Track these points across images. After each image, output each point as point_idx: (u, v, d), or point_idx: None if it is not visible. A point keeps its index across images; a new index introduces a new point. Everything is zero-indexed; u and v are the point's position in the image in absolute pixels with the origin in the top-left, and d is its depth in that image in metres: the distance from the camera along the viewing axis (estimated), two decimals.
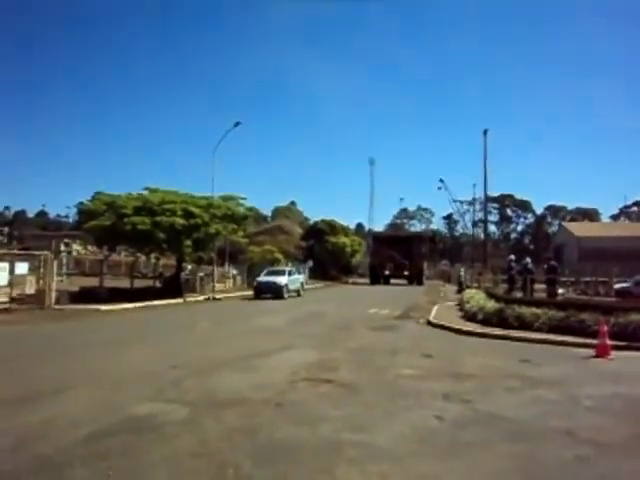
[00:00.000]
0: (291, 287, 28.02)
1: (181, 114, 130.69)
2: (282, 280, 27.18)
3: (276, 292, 26.26)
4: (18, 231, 64.29)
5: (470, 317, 15.96)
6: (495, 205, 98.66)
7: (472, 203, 68.43)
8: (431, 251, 64.52)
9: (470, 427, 5.59)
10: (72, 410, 5.85)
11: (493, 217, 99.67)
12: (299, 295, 29.19)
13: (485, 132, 39.49)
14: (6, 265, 16.90)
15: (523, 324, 13.53)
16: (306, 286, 42.01)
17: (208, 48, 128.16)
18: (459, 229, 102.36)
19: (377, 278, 51.30)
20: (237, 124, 29.43)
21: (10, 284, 16.96)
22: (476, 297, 18.43)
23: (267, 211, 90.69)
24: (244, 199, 27.28)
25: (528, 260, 19.94)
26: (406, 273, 51.70)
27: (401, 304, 23.06)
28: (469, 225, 79.94)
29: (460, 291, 30.59)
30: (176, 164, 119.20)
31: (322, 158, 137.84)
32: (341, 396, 6.81)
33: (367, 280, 53.16)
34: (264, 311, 19.62)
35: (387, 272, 51.90)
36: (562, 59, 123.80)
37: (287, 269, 30.49)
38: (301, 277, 31.87)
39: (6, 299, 17.15)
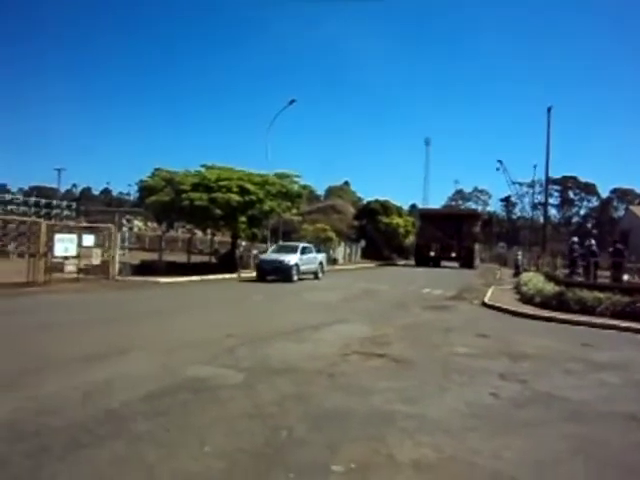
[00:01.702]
0: (304, 268, 23.20)
1: (237, 93, 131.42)
2: (291, 259, 22.28)
3: (283, 273, 21.95)
4: (84, 207, 67.57)
5: (527, 300, 15.47)
6: (557, 187, 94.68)
7: (532, 185, 66.03)
8: (487, 234, 62.48)
9: (528, 406, 5.44)
10: (133, 370, 6.12)
11: (554, 200, 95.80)
12: (316, 278, 24.29)
13: (549, 110, 37.37)
14: (75, 237, 17.80)
15: (584, 309, 12.98)
16: (357, 265, 42.10)
17: (262, 27, 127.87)
18: (517, 212, 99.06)
19: (423, 259, 48.12)
20: (292, 102, 29.49)
21: (78, 255, 17.88)
22: (534, 280, 17.83)
23: (320, 191, 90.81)
24: (298, 177, 27.30)
25: (592, 242, 19.00)
26: (453, 255, 48.28)
27: (454, 285, 22.70)
28: (528, 208, 77.31)
29: (517, 274, 29.71)
30: (232, 143, 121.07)
31: (377, 138, 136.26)
32: (393, 370, 6.79)
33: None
34: (316, 288, 19.79)
35: (432, 253, 48.57)
36: (631, 37, 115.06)
37: (301, 245, 24.78)
38: (320, 256, 25.99)
39: (75, 269, 18.13)
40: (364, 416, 4.86)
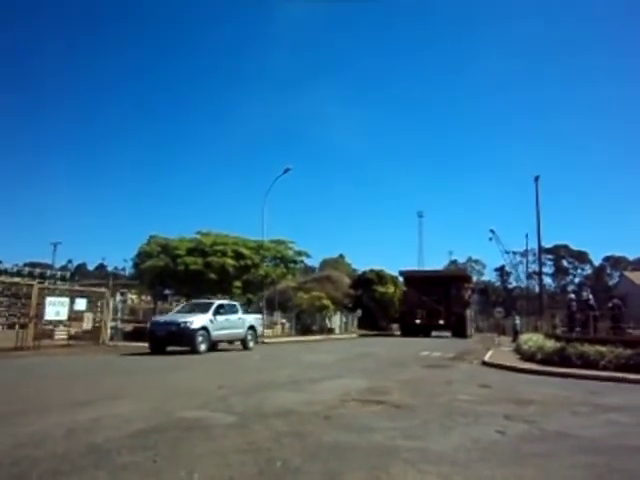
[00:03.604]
0: (220, 334, 17.28)
1: (232, 164, 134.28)
2: (195, 320, 16.12)
3: (182, 341, 15.90)
4: (79, 281, 67.14)
5: (528, 357, 15.09)
6: (550, 256, 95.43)
7: (525, 254, 66.61)
8: (483, 303, 61.80)
9: (536, 441, 5.16)
10: (122, 412, 5.83)
11: (548, 269, 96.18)
12: (246, 348, 18.74)
13: (536, 179, 38.01)
14: (66, 300, 17.54)
15: (587, 363, 12.64)
16: (352, 335, 41.17)
17: (257, 94, 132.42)
18: (512, 281, 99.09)
19: (409, 328, 43.04)
20: (287, 170, 30.13)
21: (69, 319, 17.56)
22: (534, 338, 17.53)
23: (315, 263, 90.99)
24: (293, 243, 27.54)
25: (590, 296, 18.86)
26: (442, 322, 43.13)
27: (453, 349, 22.36)
28: (523, 277, 77.41)
29: (515, 340, 29.23)
30: (228, 213, 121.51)
31: (370, 211, 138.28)
32: (394, 413, 6.48)
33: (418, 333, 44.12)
34: (312, 350, 19.33)
35: (418, 321, 43.29)
36: (619, 103, 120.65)
37: (216, 302, 18.31)
38: (250, 318, 19.80)
39: (65, 335, 17.74)
40: (365, 449, 4.58)
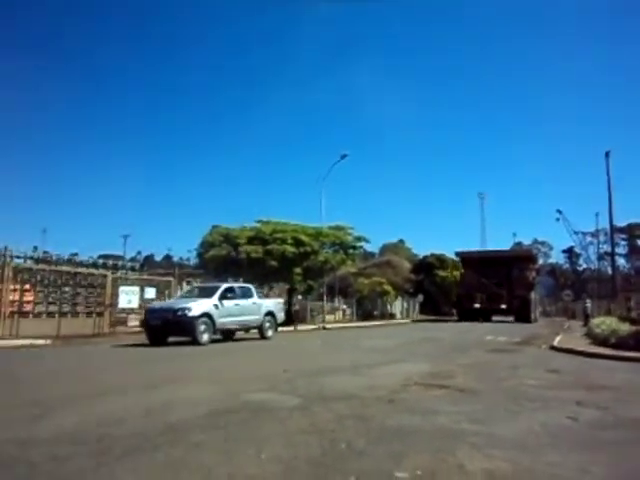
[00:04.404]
0: (228, 321, 15.09)
1: (290, 150, 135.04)
2: (195, 307, 14.04)
3: (181, 329, 13.89)
4: (147, 271, 70.34)
5: (601, 342, 14.43)
6: (623, 236, 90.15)
7: (595, 234, 63.43)
8: (551, 286, 59.39)
9: (611, 428, 4.95)
10: (192, 395, 6.15)
11: (621, 249, 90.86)
12: (264, 337, 16.54)
13: (607, 154, 35.56)
14: (137, 289, 18.51)
15: None
16: (413, 320, 40.75)
17: (311, 85, 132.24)
18: (582, 263, 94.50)
19: (467, 313, 40.59)
20: (344, 156, 30.04)
21: (140, 307, 18.51)
22: (607, 322, 16.73)
23: (375, 248, 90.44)
24: (352, 229, 27.50)
25: None
26: (504, 306, 40.55)
27: (519, 334, 21.74)
28: (593, 258, 73.80)
29: (586, 324, 27.98)
30: (286, 200, 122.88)
31: (430, 195, 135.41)
32: (459, 397, 6.41)
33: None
34: (373, 335, 19.39)
35: (477, 305, 41.00)
36: None
37: (223, 285, 16.09)
38: (267, 303, 17.60)
39: (137, 322, 18.68)
40: (429, 432, 4.57)
